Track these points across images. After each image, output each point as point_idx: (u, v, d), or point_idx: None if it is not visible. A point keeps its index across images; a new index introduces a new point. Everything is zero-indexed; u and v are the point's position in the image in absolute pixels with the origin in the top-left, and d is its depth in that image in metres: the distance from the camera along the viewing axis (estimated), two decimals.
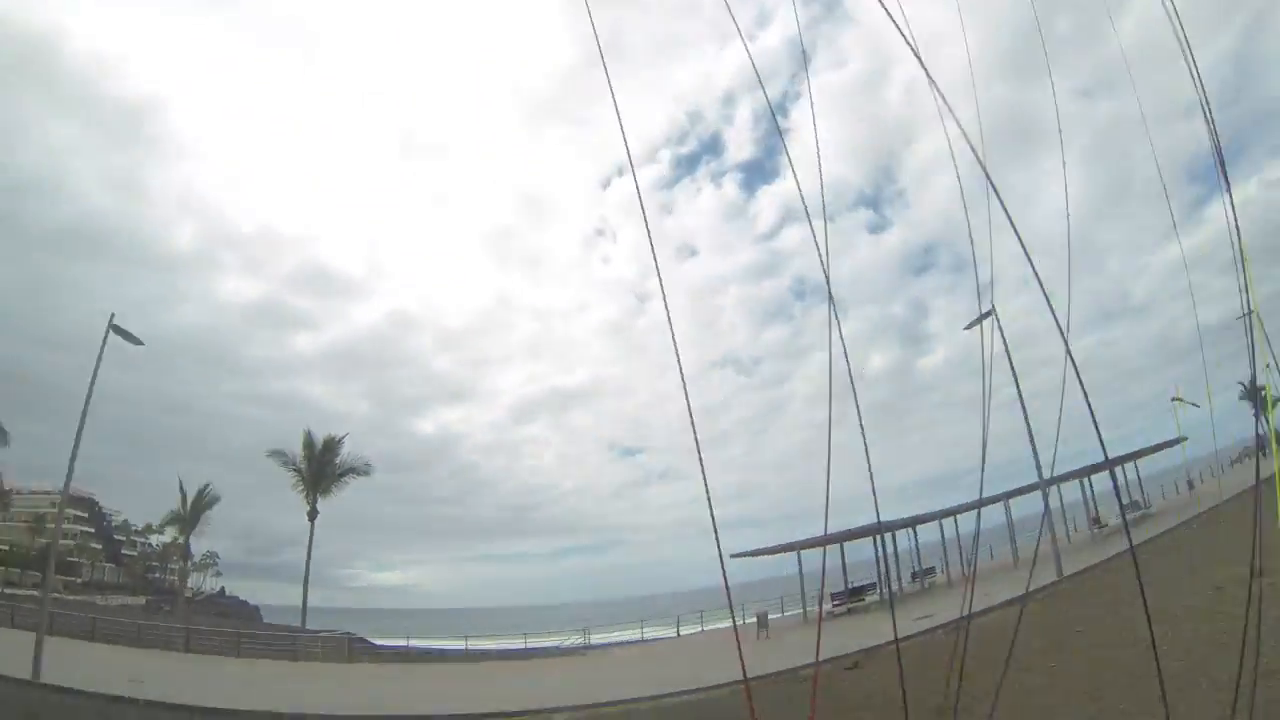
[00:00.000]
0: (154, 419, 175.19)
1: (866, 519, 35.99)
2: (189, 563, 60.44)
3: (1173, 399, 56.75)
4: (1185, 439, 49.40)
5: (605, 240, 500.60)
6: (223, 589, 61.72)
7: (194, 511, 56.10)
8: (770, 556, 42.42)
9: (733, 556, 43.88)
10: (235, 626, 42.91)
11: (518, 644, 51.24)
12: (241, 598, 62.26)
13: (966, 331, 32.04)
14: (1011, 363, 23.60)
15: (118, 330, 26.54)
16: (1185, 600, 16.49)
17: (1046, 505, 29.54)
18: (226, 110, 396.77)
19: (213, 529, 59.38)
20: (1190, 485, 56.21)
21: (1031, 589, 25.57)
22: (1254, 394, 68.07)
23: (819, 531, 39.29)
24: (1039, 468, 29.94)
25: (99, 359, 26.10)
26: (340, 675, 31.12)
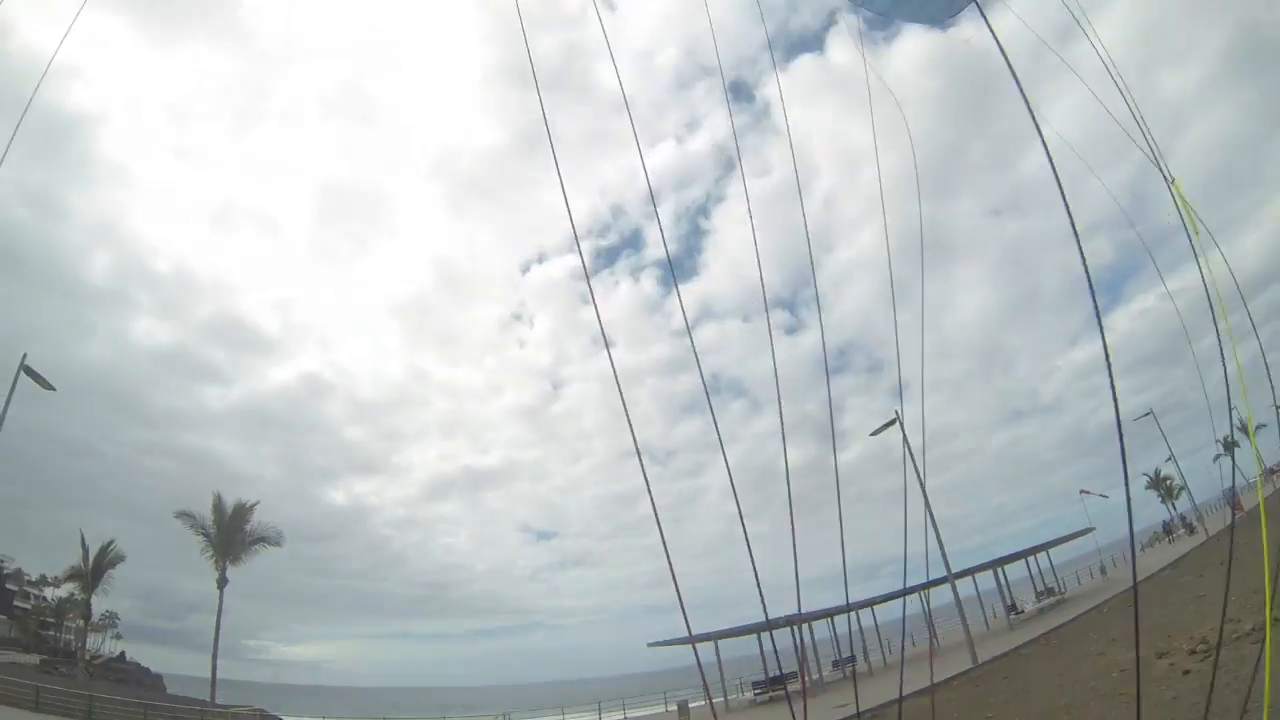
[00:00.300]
0: (53, 459, 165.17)
1: (787, 608, 36.23)
2: (88, 623, 57.48)
3: (1081, 492, 60.97)
4: (1094, 529, 52.51)
5: (522, 325, 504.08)
6: (123, 653, 58.30)
7: (96, 568, 53.55)
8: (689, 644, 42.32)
9: (649, 645, 44.07)
10: (137, 694, 40.81)
11: None
12: (143, 664, 59.05)
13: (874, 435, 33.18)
14: (915, 463, 24.70)
15: (29, 372, 25.40)
16: (1091, 682, 17.35)
17: (956, 597, 30.80)
18: (161, 143, 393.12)
19: (114, 587, 56.79)
20: (1103, 571, 58.64)
21: (950, 676, 26.29)
22: (1159, 483, 71.52)
23: (737, 619, 39.87)
24: (946, 562, 31.45)
25: (7, 401, 24.88)
26: None
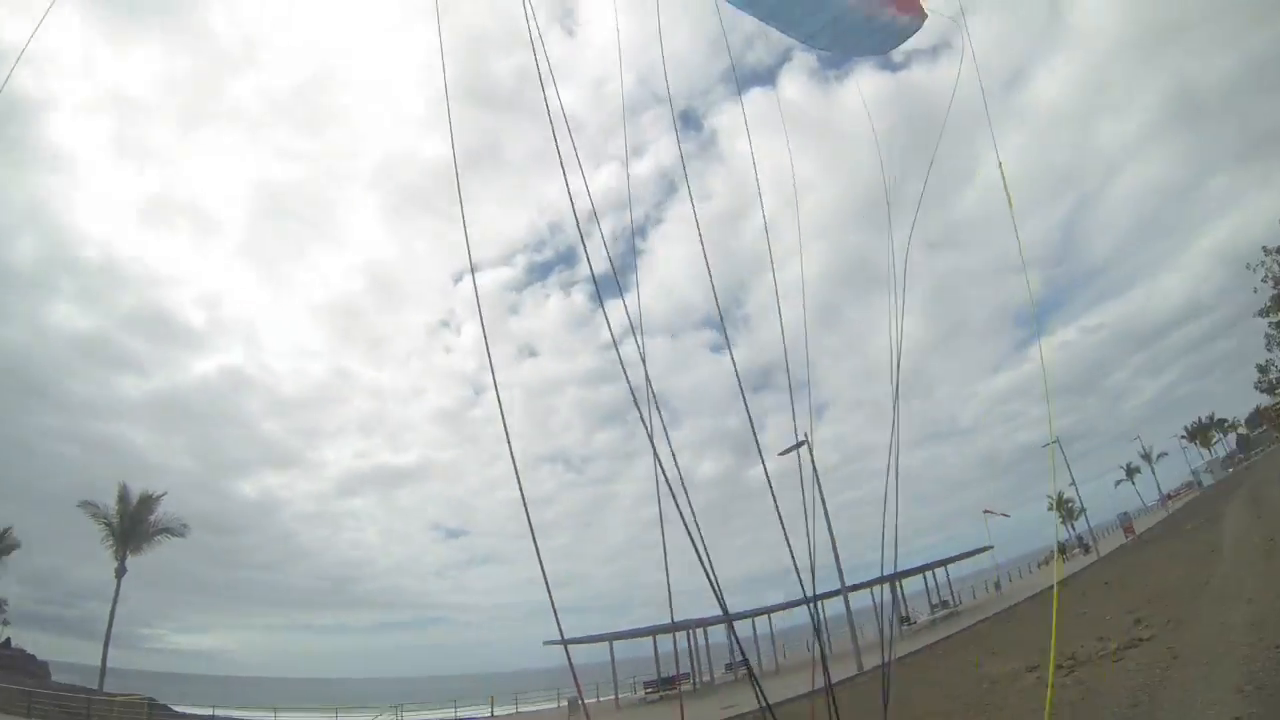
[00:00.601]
0: None
1: (692, 612, 37.68)
2: None
3: (984, 511, 62.89)
4: (991, 547, 54.63)
5: (449, 332, 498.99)
6: (8, 639, 55.84)
7: None
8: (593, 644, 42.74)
9: (545, 644, 44.63)
10: (19, 681, 39.47)
11: (328, 717, 49.42)
12: (29, 651, 56.70)
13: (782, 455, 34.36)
14: (820, 488, 25.89)
15: None
16: (962, 691, 17.96)
17: (848, 608, 32.37)
18: (104, 133, 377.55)
19: (5, 572, 54.64)
20: (998, 586, 61.44)
21: (836, 681, 27.48)
22: (1059, 505, 75.60)
23: (639, 621, 40.79)
24: (840, 575, 33.29)
25: None
26: None
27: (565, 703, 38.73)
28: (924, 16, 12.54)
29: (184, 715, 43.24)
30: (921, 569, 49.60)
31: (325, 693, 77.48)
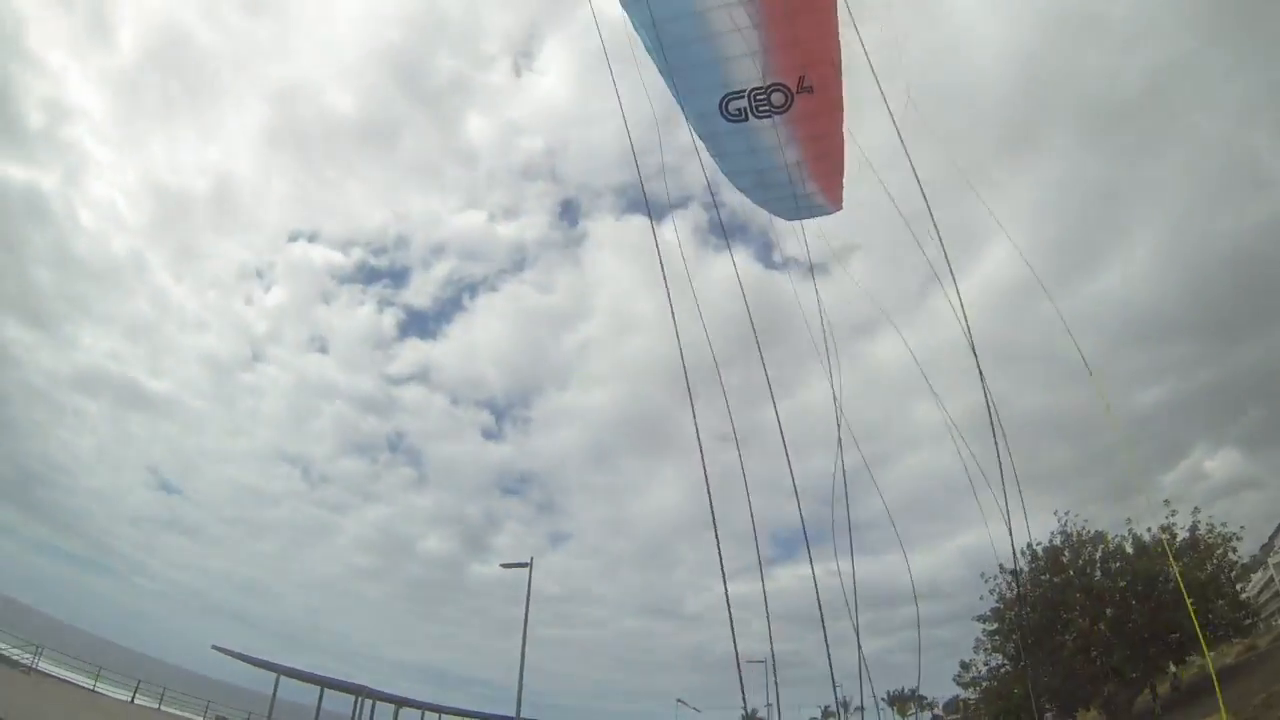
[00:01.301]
0: None
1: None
2: None
3: (678, 700, 66.61)
4: None
5: (259, 284, 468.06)
6: None
7: None
8: (261, 671, 40.76)
9: (213, 647, 43.15)
10: None
11: None
12: None
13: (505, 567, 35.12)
14: (526, 612, 28.51)
15: None
16: None
17: None
18: None
19: None
20: None
21: None
22: None
23: (313, 667, 39.90)
24: (518, 705, 35.63)
25: None
26: None
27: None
28: (839, 207, 14.05)
29: None
30: None
31: None
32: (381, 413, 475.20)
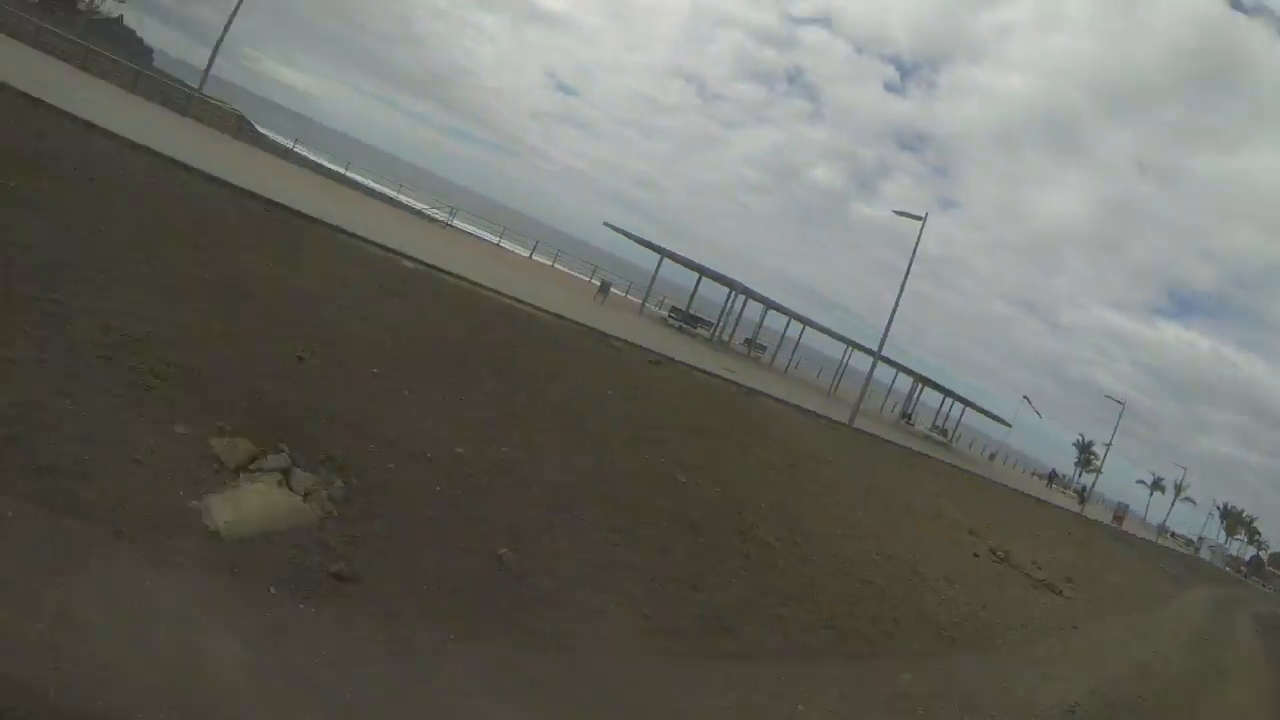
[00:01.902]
0: None
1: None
2: None
3: (1024, 397, 65.67)
4: (1010, 426, 58.89)
5: None
6: (120, 16, 56.00)
7: None
8: (644, 250, 42.13)
9: (605, 225, 45.67)
10: (128, 58, 40.53)
11: (390, 189, 50.68)
12: (137, 34, 57.09)
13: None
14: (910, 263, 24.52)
15: None
16: (888, 506, 18.76)
17: (871, 372, 33.65)
18: None
19: None
20: (991, 456, 65.73)
21: (830, 418, 28.41)
22: (1084, 449, 79.57)
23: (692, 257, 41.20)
24: (882, 341, 35.25)
25: None
26: (231, 149, 29.07)
27: (599, 282, 39.61)
28: None
29: (267, 138, 45.46)
30: (949, 393, 51.47)
31: (393, 168, 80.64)
32: (781, 47, 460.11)
